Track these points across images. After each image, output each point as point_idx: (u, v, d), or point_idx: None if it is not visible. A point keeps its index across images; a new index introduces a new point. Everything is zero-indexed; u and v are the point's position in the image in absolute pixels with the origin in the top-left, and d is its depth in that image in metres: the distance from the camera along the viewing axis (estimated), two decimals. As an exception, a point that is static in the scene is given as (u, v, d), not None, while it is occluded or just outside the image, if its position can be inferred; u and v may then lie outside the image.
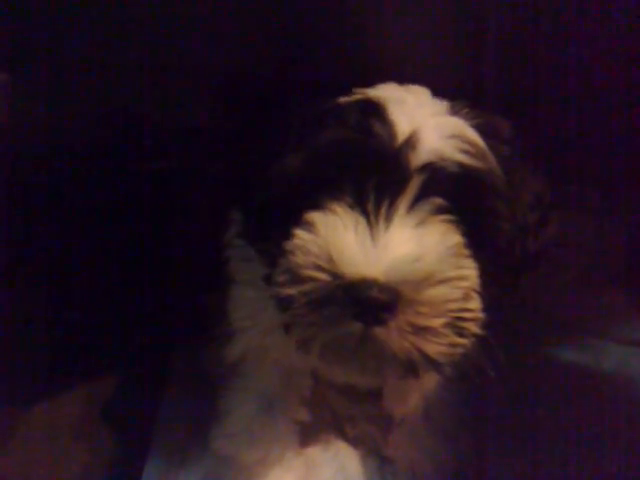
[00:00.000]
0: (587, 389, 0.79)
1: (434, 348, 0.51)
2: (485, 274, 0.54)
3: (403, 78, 0.63)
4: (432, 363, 0.52)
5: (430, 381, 0.83)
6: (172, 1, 0.63)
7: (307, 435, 0.90)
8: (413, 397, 0.86)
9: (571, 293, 0.84)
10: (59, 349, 0.81)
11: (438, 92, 0.61)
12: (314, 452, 0.90)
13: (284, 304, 0.53)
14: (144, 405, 0.94)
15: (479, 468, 0.83)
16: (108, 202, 0.87)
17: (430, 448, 0.86)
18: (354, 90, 0.61)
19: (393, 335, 0.49)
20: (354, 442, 0.93)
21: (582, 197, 0.80)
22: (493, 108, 0.62)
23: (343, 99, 0.60)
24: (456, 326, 0.51)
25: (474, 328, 0.53)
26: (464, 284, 0.52)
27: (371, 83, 0.62)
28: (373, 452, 0.92)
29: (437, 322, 0.50)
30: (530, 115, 0.70)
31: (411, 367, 0.52)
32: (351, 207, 0.53)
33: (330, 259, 0.50)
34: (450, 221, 0.53)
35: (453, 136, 0.54)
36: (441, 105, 0.59)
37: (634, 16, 0.62)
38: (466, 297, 0.52)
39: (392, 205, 0.52)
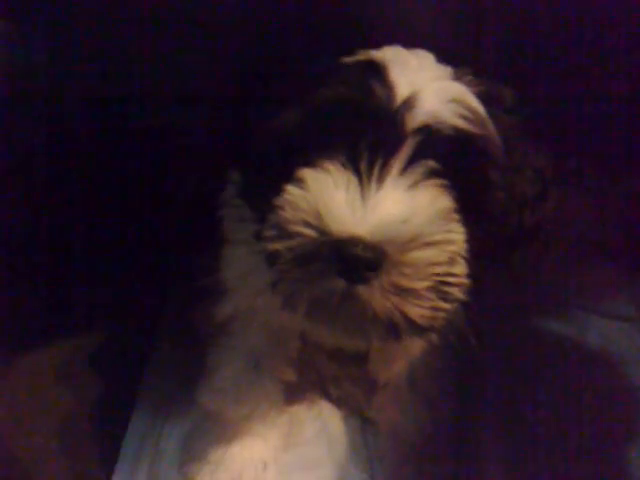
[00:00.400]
0: (571, 360, 0.80)
1: (416, 311, 0.51)
2: (474, 241, 0.54)
3: (408, 42, 0.62)
4: (414, 326, 0.52)
5: (415, 347, 0.84)
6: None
7: (292, 394, 0.91)
8: (398, 362, 0.87)
9: (558, 266, 0.85)
10: (48, 297, 0.81)
11: (443, 59, 0.60)
12: (298, 411, 0.92)
13: (271, 259, 0.53)
14: (132, 356, 0.95)
15: (460, 432, 0.85)
16: (103, 155, 0.87)
17: (412, 412, 0.88)
18: (357, 51, 0.60)
19: (376, 294, 0.50)
20: (338, 402, 0.94)
21: (574, 172, 0.80)
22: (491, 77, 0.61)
23: (346, 59, 0.59)
24: (440, 290, 0.51)
25: (458, 293, 0.53)
26: (451, 248, 0.52)
27: (376, 46, 0.61)
28: (356, 413, 0.94)
29: (421, 285, 0.50)
30: (528, 87, 0.69)
31: (393, 329, 0.52)
32: (344, 166, 0.52)
33: (318, 215, 0.50)
34: (442, 185, 0.53)
35: (452, 101, 0.54)
36: (444, 70, 0.58)
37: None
38: (452, 261, 0.52)
39: (385, 166, 0.51)
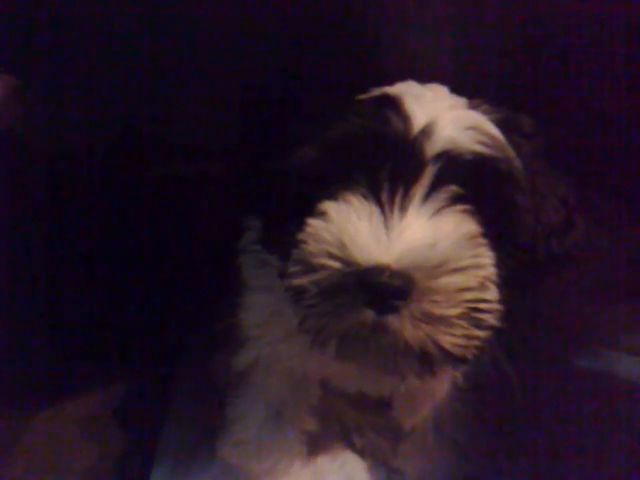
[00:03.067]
0: (600, 397, 0.78)
1: (449, 339, 0.50)
2: (503, 266, 0.53)
3: (418, 77, 0.62)
4: (447, 355, 0.51)
5: (441, 391, 0.82)
6: (180, 7, 0.63)
7: (315, 445, 0.89)
8: (423, 407, 0.85)
9: (585, 304, 0.83)
10: (67, 353, 0.80)
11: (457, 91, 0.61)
12: (322, 462, 0.89)
13: (296, 296, 0.52)
14: (152, 409, 0.93)
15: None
16: (117, 205, 0.87)
17: (440, 460, 0.85)
18: (371, 89, 0.60)
19: (406, 324, 0.48)
20: (362, 453, 0.92)
21: (596, 206, 0.80)
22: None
23: (361, 96, 0.59)
24: (472, 317, 0.50)
25: (491, 320, 0.52)
26: (480, 273, 0.51)
27: (389, 83, 0.61)
28: (381, 463, 0.91)
29: (452, 312, 0.49)
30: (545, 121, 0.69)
31: (426, 361, 0.51)
32: (365, 197, 0.52)
33: (342, 246, 0.49)
34: (466, 210, 0.52)
35: (470, 128, 0.54)
36: (459, 100, 0.58)
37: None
38: (482, 287, 0.51)
39: (407, 195, 0.51)
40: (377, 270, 0.47)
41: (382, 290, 0.47)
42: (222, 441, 0.84)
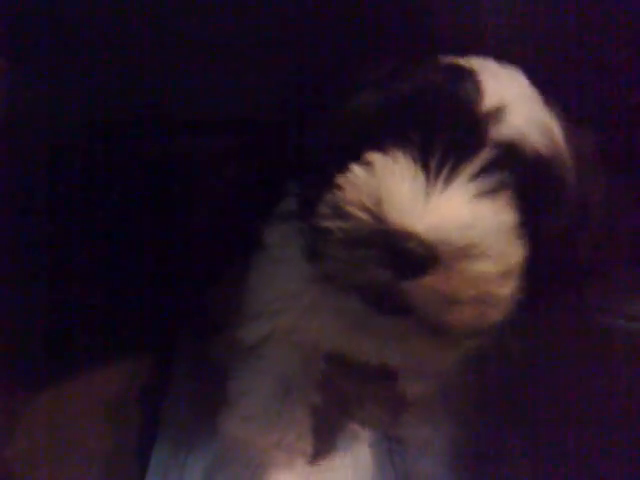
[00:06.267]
0: (605, 364, 0.79)
1: (457, 317, 0.50)
2: (537, 260, 0.52)
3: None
4: (453, 330, 0.51)
5: (446, 361, 0.82)
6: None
7: (317, 418, 0.88)
8: (428, 377, 0.85)
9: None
10: (63, 332, 0.77)
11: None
12: (325, 436, 0.89)
13: (319, 235, 0.52)
14: (152, 388, 0.91)
15: (500, 453, 0.83)
16: (113, 187, 0.84)
17: (446, 429, 0.85)
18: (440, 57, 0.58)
19: (420, 293, 0.48)
20: (362, 424, 0.92)
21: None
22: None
23: (431, 61, 0.57)
24: (485, 302, 0.50)
25: (502, 309, 0.51)
26: (506, 263, 0.50)
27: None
28: (381, 434, 0.91)
29: (465, 294, 0.49)
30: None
31: (437, 331, 0.51)
32: (414, 159, 0.51)
33: (378, 201, 0.48)
34: (510, 200, 0.51)
35: (538, 124, 0.52)
36: (534, 91, 0.56)
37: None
38: (504, 277, 0.50)
39: (456, 169, 0.50)
40: (406, 235, 0.47)
41: (406, 255, 0.47)
42: (225, 417, 0.82)
